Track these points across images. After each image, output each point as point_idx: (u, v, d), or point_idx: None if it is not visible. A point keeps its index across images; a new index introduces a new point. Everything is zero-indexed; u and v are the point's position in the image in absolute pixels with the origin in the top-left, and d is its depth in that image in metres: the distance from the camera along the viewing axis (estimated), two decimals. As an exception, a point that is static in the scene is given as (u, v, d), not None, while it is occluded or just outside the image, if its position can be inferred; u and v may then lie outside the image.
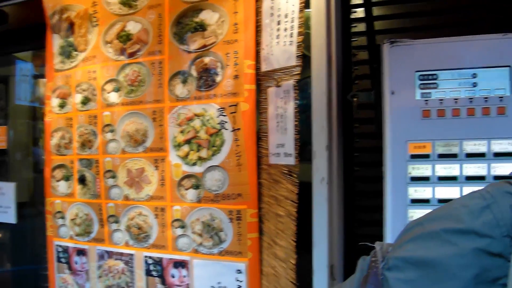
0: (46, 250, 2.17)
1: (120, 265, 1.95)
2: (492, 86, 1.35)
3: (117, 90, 1.92)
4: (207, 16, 1.75)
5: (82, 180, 2.02)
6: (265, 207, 1.68)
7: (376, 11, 1.65)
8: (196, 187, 1.76)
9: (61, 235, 2.11)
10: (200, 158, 1.74)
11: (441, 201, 1.37)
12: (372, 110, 1.57)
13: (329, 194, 1.58)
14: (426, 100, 1.37)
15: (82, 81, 2.02)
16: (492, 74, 1.35)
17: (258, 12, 1.68)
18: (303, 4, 1.54)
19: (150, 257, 1.88)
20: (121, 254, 1.94)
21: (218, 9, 1.73)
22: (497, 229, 0.59)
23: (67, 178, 2.08)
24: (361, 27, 1.68)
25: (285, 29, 1.58)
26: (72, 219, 2.06)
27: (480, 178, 1.35)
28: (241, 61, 1.67)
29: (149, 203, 1.86)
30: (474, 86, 1.36)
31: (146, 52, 1.87)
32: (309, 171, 1.62)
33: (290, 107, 1.56)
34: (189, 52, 1.77)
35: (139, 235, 1.89)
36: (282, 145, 1.59)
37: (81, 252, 2.05)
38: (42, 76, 2.31)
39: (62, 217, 2.10)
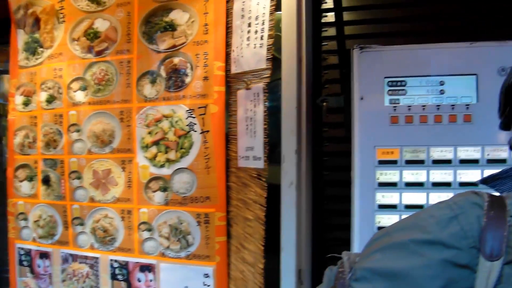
0: (8, 253, 2.10)
1: (85, 268, 1.90)
2: (459, 93, 1.37)
3: (83, 89, 1.87)
4: (177, 16, 1.72)
5: (46, 181, 1.96)
6: (234, 210, 1.66)
7: (346, 16, 1.65)
8: (164, 189, 1.72)
9: (24, 238, 2.04)
10: (168, 160, 1.71)
11: (408, 206, 1.38)
12: (341, 114, 1.57)
13: (298, 198, 1.58)
14: (395, 106, 1.38)
15: (48, 79, 1.96)
16: (459, 82, 1.37)
17: (229, 14, 1.65)
18: (273, 7, 1.53)
19: (115, 261, 1.83)
20: (86, 257, 1.89)
21: (189, 9, 1.70)
22: (464, 240, 0.59)
23: (30, 178, 2.01)
24: (331, 31, 1.68)
25: (256, 31, 1.56)
26: (36, 221, 1.99)
27: (446, 185, 1.37)
28: (211, 62, 1.65)
29: (116, 205, 1.82)
30: (442, 94, 1.37)
31: (114, 51, 1.82)
32: (280, 174, 1.61)
33: (259, 110, 1.54)
34: (158, 52, 1.74)
35: (105, 238, 1.84)
36: (251, 148, 1.58)
37: (44, 255, 1.99)
38: (6, 72, 2.23)
39: (25, 219, 2.02)
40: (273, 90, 1.62)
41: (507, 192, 0.68)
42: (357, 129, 1.40)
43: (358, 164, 1.40)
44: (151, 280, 1.77)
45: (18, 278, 2.07)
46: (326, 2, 1.71)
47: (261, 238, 1.57)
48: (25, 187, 2.03)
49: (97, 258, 1.87)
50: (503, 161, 1.32)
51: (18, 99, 2.04)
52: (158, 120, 1.73)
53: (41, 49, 1.99)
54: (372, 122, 1.39)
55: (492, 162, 1.34)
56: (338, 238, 1.65)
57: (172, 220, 1.71)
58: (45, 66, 1.97)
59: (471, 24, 1.57)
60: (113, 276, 1.83)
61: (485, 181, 0.73)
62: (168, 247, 1.73)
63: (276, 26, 1.56)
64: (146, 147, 1.75)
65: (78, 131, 1.88)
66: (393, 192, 1.38)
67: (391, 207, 1.39)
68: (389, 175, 1.38)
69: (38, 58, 1.99)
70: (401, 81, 1.38)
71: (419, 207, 1.36)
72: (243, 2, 1.61)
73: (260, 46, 1.55)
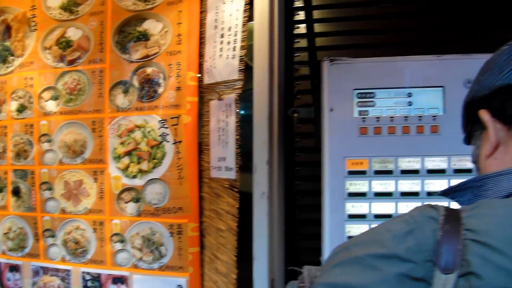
0: (-24, 266, 2.05)
1: (56, 281, 1.86)
2: (426, 105, 1.40)
3: (55, 98, 1.85)
4: (151, 26, 1.71)
5: (16, 192, 1.92)
6: (206, 221, 1.66)
7: (318, 28, 1.68)
8: (136, 200, 1.71)
9: (-7, 250, 2.00)
10: (141, 171, 1.70)
11: (377, 216, 1.40)
12: (312, 124, 1.58)
13: (270, 208, 1.58)
14: (364, 118, 1.40)
15: (18, 88, 1.92)
16: (426, 93, 1.40)
17: (202, 24, 1.66)
18: (246, 18, 1.54)
19: (87, 273, 1.80)
20: (57, 270, 1.86)
21: (162, 19, 1.70)
22: (420, 254, 0.60)
23: (0, 189, 1.97)
24: (303, 42, 1.70)
25: (228, 42, 1.57)
26: (5, 233, 1.95)
27: (415, 194, 1.39)
28: (183, 72, 1.65)
29: (87, 216, 1.79)
30: (410, 105, 1.40)
31: (87, 60, 1.80)
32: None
33: (231, 121, 1.55)
34: (131, 61, 1.73)
35: (76, 250, 1.81)
36: (223, 159, 1.58)
37: (14, 268, 1.95)
38: (-24, 80, 2.19)
39: (-6, 231, 1.99)
40: (247, 99, 1.63)
41: (466, 204, 0.69)
42: (327, 140, 1.41)
43: (328, 175, 1.41)
44: (123, 292, 1.75)
45: (-14, 291, 2.02)
46: (298, 14, 1.73)
47: (234, 248, 1.57)
48: (-6, 198, 1.99)
49: (68, 270, 1.84)
50: (468, 171, 1.34)
51: (-12, 109, 2.01)
52: (131, 130, 1.72)
53: (12, 57, 1.95)
54: (341, 133, 1.41)
55: (458, 172, 1.36)
56: (310, 248, 1.65)
57: (145, 231, 1.70)
58: (16, 75, 1.94)
59: (439, 37, 1.61)
60: (85, 289, 1.81)
61: (446, 193, 0.75)
62: (141, 259, 1.71)
63: (249, 35, 1.57)
64: (118, 158, 1.74)
65: (49, 141, 1.85)
66: (362, 202, 1.40)
67: (361, 217, 1.40)
68: (358, 185, 1.40)
69: (8, 67, 1.96)
70: (370, 93, 1.40)
71: (388, 216, 1.38)
72: (216, 13, 1.62)
73: (233, 57, 1.55)
